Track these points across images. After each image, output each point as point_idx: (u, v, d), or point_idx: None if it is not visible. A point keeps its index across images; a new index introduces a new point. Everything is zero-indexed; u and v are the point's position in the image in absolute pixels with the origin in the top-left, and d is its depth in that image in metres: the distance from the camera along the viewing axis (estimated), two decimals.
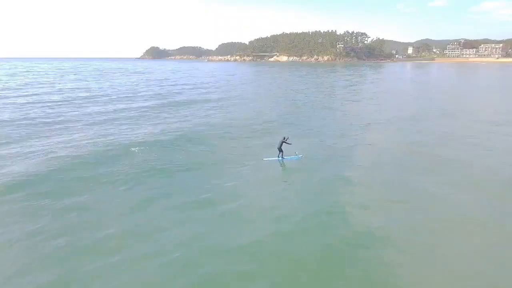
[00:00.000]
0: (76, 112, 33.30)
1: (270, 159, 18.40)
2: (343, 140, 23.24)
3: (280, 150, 18.03)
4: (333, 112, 35.64)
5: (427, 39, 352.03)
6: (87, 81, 73.22)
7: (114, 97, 45.37)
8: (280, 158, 18.19)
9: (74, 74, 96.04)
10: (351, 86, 65.10)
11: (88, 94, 48.51)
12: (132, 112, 33.76)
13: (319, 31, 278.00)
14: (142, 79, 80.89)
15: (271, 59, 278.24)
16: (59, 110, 34.49)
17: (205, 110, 35.50)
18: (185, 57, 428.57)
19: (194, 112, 34.17)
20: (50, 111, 33.85)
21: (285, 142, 17.88)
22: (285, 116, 32.36)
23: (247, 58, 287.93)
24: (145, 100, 43.25)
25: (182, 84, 66.95)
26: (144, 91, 53.26)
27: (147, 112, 33.65)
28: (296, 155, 18.38)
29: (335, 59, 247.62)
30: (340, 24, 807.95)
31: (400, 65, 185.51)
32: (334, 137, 24.14)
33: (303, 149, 19.40)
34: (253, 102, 41.61)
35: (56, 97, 43.73)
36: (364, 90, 58.30)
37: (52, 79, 76.15)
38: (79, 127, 26.71)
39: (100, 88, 57.69)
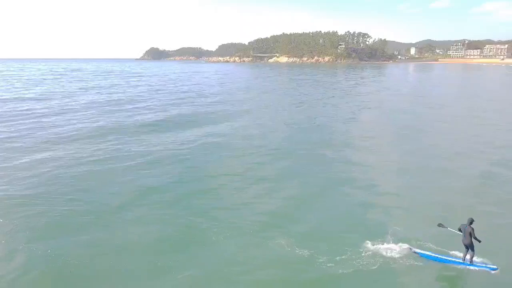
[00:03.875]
0: None
1: (437, 256, 10.27)
2: None
3: (471, 247, 9.85)
4: None
5: (428, 40, 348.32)
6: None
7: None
8: (468, 261, 9.96)
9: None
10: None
11: None
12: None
13: (320, 31, 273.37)
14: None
15: (271, 60, 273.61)
16: None
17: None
18: (185, 58, 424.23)
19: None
20: None
21: (475, 238, 9.67)
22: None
23: (247, 59, 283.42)
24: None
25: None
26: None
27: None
28: (489, 265, 9.88)
29: (336, 60, 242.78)
30: (341, 24, 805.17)
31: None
32: None
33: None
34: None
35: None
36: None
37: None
38: None
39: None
